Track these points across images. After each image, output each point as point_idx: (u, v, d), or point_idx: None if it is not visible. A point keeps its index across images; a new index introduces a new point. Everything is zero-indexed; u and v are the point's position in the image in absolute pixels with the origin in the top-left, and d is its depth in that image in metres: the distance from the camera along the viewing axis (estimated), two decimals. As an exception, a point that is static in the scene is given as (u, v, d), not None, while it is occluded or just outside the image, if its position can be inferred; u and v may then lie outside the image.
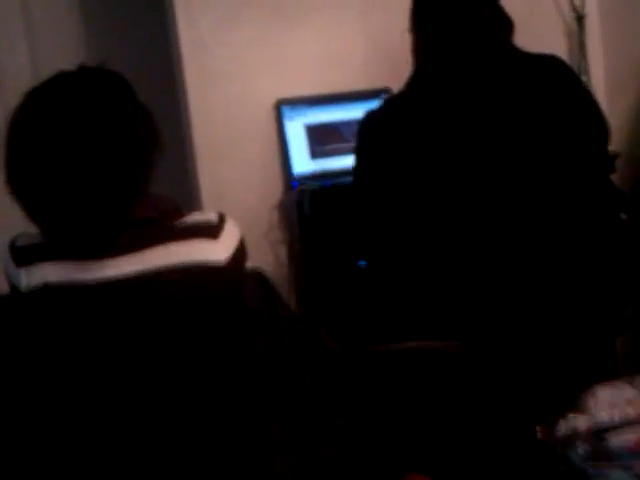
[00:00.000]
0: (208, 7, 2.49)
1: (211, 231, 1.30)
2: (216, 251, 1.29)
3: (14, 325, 1.25)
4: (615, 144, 2.12)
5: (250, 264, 1.38)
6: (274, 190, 2.53)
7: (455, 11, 1.87)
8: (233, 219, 1.37)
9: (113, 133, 1.25)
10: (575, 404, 1.67)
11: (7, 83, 2.87)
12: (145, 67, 2.92)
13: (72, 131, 1.23)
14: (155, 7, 2.64)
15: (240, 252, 1.34)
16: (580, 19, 2.77)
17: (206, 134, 2.50)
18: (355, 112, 2.50)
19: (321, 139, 2.53)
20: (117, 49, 3.02)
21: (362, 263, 2.12)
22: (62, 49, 3.02)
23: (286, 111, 2.52)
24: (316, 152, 2.52)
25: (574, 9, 2.77)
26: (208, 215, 1.34)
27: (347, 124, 2.53)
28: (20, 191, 1.26)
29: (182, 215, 1.32)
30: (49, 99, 1.27)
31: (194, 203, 2.54)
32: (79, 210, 1.23)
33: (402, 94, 1.90)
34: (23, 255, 1.27)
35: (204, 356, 1.27)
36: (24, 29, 3.05)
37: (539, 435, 1.63)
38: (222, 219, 1.34)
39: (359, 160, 1.89)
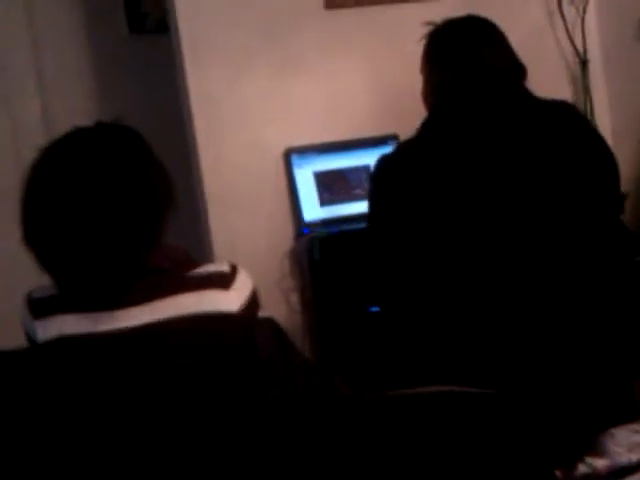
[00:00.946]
0: (217, 61, 2.52)
1: (223, 281, 1.31)
2: (228, 301, 1.29)
3: (29, 377, 1.25)
4: (621, 186, 2.13)
5: (263, 312, 1.38)
6: (285, 238, 2.55)
7: (468, 55, 1.88)
8: (245, 269, 1.38)
9: (128, 188, 1.26)
10: (593, 447, 1.66)
11: (20, 139, 2.92)
12: (156, 120, 2.97)
13: (87, 186, 1.24)
14: (165, 62, 2.69)
15: (252, 302, 1.34)
16: (584, 64, 2.80)
17: (217, 184, 2.52)
18: (363, 159, 2.54)
19: (330, 186, 2.55)
20: (128, 103, 3.07)
21: (373, 308, 2.12)
22: (74, 104, 3.07)
23: (295, 159, 2.55)
24: (325, 199, 2.54)
25: (577, 55, 2.81)
26: (220, 266, 1.34)
27: (355, 171, 2.56)
28: (36, 244, 1.27)
29: (194, 265, 1.33)
30: (65, 154, 1.28)
31: (206, 252, 2.55)
32: (92, 262, 1.24)
33: (416, 139, 1.89)
34: (39, 307, 1.28)
35: (217, 406, 1.26)
36: (37, 85, 3.11)
37: (558, 478, 1.61)
38: (234, 270, 1.34)
39: (373, 205, 1.89)
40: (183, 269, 1.31)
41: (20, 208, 1.27)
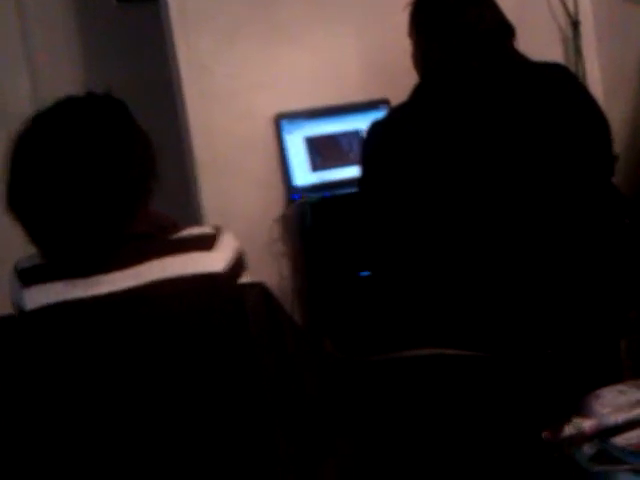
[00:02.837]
0: (206, 28, 2.52)
1: (206, 243, 1.32)
2: (211, 261, 1.30)
3: (17, 345, 1.27)
4: (614, 146, 2.14)
5: (253, 277, 1.39)
6: (276, 203, 2.55)
7: (455, 16, 1.87)
8: (236, 235, 1.39)
9: (109, 157, 1.28)
10: (580, 407, 1.67)
11: (9, 109, 2.90)
12: (146, 89, 2.96)
13: (70, 155, 1.26)
14: (154, 30, 2.67)
15: (237, 262, 1.34)
16: (575, 25, 2.79)
17: (207, 150, 2.52)
18: (353, 124, 2.53)
19: (320, 151, 2.55)
20: (117, 71, 3.06)
21: (364, 273, 2.13)
22: (63, 75, 3.06)
23: (285, 125, 2.54)
24: (316, 164, 2.54)
25: (569, 15, 2.79)
26: (203, 228, 1.36)
27: (346, 136, 2.56)
28: (20, 211, 1.29)
29: (178, 229, 1.34)
30: (49, 125, 1.30)
31: (197, 218, 2.56)
32: (75, 228, 1.26)
33: (407, 103, 1.90)
34: (27, 276, 1.29)
35: (205, 368, 1.27)
36: (25, 56, 3.09)
37: (545, 438, 1.63)
38: (218, 231, 1.35)
39: (366, 169, 1.89)
40: (167, 233, 1.32)
41: (6, 175, 1.29)
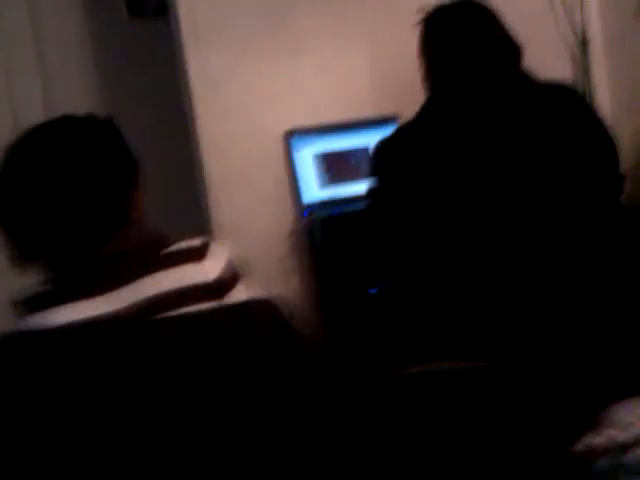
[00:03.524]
0: (216, 43, 2.53)
1: (195, 255, 1.34)
2: (204, 272, 1.32)
3: (33, 366, 1.27)
4: (621, 165, 2.14)
5: (264, 293, 1.39)
6: (286, 219, 2.56)
7: (463, 36, 1.89)
8: (247, 251, 1.40)
9: (89, 176, 1.33)
10: (594, 422, 1.67)
11: (22, 120, 2.92)
12: (156, 103, 2.97)
13: (51, 174, 1.33)
14: (165, 44, 2.69)
15: (231, 270, 1.36)
16: (584, 44, 2.80)
17: (218, 166, 2.54)
18: (363, 140, 2.55)
19: (330, 167, 2.56)
20: (128, 86, 3.08)
21: (374, 290, 2.13)
22: (75, 90, 3.08)
23: (295, 141, 2.56)
24: (326, 180, 2.55)
25: (577, 34, 2.80)
26: (191, 241, 1.37)
27: (355, 152, 2.57)
28: (6, 225, 1.34)
29: (167, 244, 1.35)
30: (29, 148, 1.36)
31: (207, 233, 2.56)
32: (56, 242, 1.32)
33: (414, 121, 1.92)
34: (28, 306, 1.32)
35: (217, 385, 1.27)
36: (37, 70, 3.11)
37: (559, 453, 1.62)
38: (206, 242, 1.37)
39: (375, 182, 1.91)
40: (155, 249, 1.34)
41: None
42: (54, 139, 1.36)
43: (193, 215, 2.63)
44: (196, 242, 1.36)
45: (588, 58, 2.80)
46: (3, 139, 1.40)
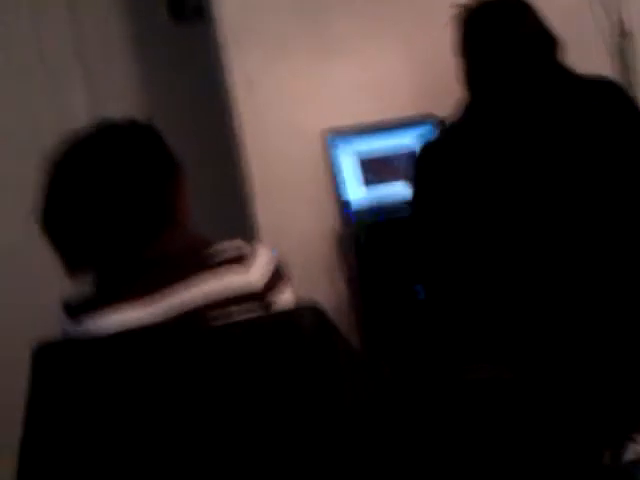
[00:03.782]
0: (255, 44, 2.55)
1: (241, 259, 1.36)
2: (250, 280, 1.35)
3: (82, 371, 1.30)
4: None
5: (308, 294, 1.40)
6: (329, 220, 2.57)
7: (502, 34, 1.87)
8: (291, 254, 1.42)
9: (134, 184, 1.37)
10: None
11: (66, 126, 2.97)
12: (197, 106, 3.00)
13: (97, 182, 1.37)
14: (205, 47, 2.72)
15: (275, 275, 1.39)
16: (623, 37, 2.77)
17: (260, 168, 2.56)
18: (401, 139, 2.55)
19: (371, 167, 2.57)
20: (170, 89, 3.11)
21: (419, 288, 2.12)
22: (118, 92, 3.12)
23: (336, 140, 2.57)
24: (367, 180, 2.56)
25: (619, 27, 2.78)
26: (235, 243, 1.40)
27: (394, 151, 2.57)
28: (53, 231, 1.38)
29: (209, 245, 1.38)
30: (79, 153, 1.40)
31: (252, 236, 2.58)
32: (103, 246, 1.36)
33: (460, 124, 1.89)
34: (74, 311, 1.36)
35: (264, 391, 1.29)
36: (81, 73, 3.16)
37: (606, 459, 1.61)
38: (251, 245, 1.40)
39: (418, 191, 1.90)
40: (201, 253, 1.37)
41: (41, 197, 1.38)
42: (97, 148, 1.39)
43: (235, 216, 2.65)
44: (241, 245, 1.39)
45: (628, 52, 2.77)
46: (49, 144, 1.44)
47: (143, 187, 1.38)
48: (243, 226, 2.62)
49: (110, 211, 1.35)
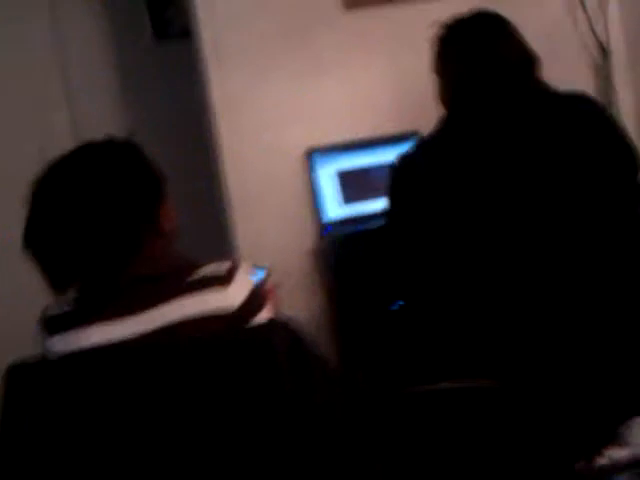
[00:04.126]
0: (238, 64, 2.56)
1: (221, 281, 1.36)
2: (227, 299, 1.35)
3: (43, 391, 1.30)
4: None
5: (287, 311, 1.40)
6: (309, 237, 2.57)
7: (481, 51, 1.88)
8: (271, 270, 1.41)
9: (115, 202, 1.38)
10: (613, 437, 1.66)
11: (50, 148, 2.96)
12: (181, 124, 3.01)
13: (78, 200, 1.37)
14: (189, 67, 2.72)
15: (253, 299, 1.39)
16: (606, 54, 2.79)
17: (241, 186, 2.56)
18: (385, 156, 2.54)
19: (352, 184, 2.57)
20: (154, 108, 3.12)
21: (395, 306, 2.13)
22: (102, 112, 3.13)
23: (317, 159, 2.57)
24: (347, 197, 2.56)
25: (599, 45, 2.80)
26: (218, 266, 1.40)
27: (377, 169, 2.57)
28: (35, 249, 1.38)
29: (194, 268, 1.38)
30: (60, 173, 1.41)
31: (232, 253, 2.58)
32: (83, 262, 1.36)
33: (433, 137, 1.91)
34: (53, 324, 1.37)
35: (231, 405, 1.29)
36: (65, 94, 3.17)
37: (578, 470, 1.61)
38: (232, 268, 1.40)
39: (392, 202, 1.91)
40: (182, 274, 1.37)
41: (25, 223, 1.39)
42: (76, 168, 1.40)
43: (216, 233, 2.65)
44: (223, 267, 1.39)
45: (611, 69, 2.79)
46: (32, 166, 1.44)
47: (123, 200, 1.38)
48: (222, 243, 2.62)
49: (92, 226, 1.35)
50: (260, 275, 1.68)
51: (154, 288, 1.35)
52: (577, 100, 1.89)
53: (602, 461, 1.59)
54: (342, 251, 2.39)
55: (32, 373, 1.29)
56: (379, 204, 2.45)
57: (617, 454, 1.61)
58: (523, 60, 1.89)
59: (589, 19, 2.77)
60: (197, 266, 1.39)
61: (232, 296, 1.36)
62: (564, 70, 2.51)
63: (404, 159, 1.91)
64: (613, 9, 2.81)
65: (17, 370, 1.28)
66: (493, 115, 1.82)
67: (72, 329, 1.34)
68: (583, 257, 1.75)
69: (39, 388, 1.28)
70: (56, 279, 1.37)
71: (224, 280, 1.37)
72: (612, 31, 2.80)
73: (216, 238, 2.64)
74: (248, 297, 1.38)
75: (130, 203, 1.38)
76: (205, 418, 1.27)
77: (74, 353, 1.30)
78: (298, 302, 2.43)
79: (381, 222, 1.94)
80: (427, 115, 2.03)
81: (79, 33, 3.22)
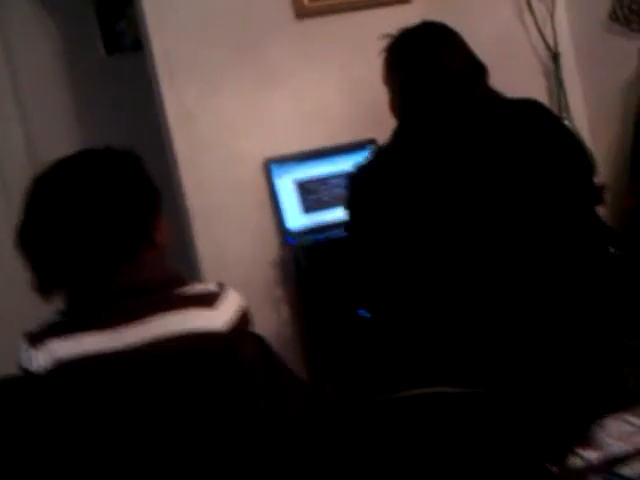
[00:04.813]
0: (191, 76, 2.55)
1: (208, 300, 1.36)
2: (212, 319, 1.34)
3: (26, 405, 1.31)
4: (600, 176, 2.16)
5: (253, 323, 1.40)
6: (270, 247, 2.57)
7: (426, 61, 1.89)
8: (233, 281, 1.41)
9: (110, 208, 1.37)
10: (586, 438, 1.67)
11: (5, 165, 2.94)
12: (136, 138, 2.98)
13: (74, 204, 1.37)
14: (143, 80, 2.71)
15: (240, 320, 1.38)
16: (556, 57, 2.84)
17: (199, 198, 2.55)
18: (342, 165, 2.56)
19: (311, 193, 2.58)
20: (109, 122, 3.09)
21: (362, 312, 2.14)
22: (56, 128, 3.09)
23: (275, 169, 2.58)
24: (307, 206, 2.57)
25: (549, 48, 2.84)
26: (208, 285, 1.40)
27: (335, 177, 2.59)
28: (29, 250, 1.37)
29: (182, 284, 1.38)
30: (53, 182, 1.40)
31: (193, 266, 2.57)
32: (76, 277, 1.35)
33: (388, 147, 1.92)
34: (34, 338, 1.35)
35: (205, 420, 1.30)
36: (17, 110, 3.13)
37: (550, 470, 1.62)
38: (221, 288, 1.40)
39: (352, 213, 1.91)
40: (171, 288, 1.37)
41: (20, 221, 1.39)
42: (74, 170, 1.40)
43: (177, 246, 2.63)
44: (212, 287, 1.40)
45: (561, 71, 2.84)
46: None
47: (121, 207, 1.38)
48: (183, 255, 2.61)
49: (86, 230, 1.35)
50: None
51: (145, 300, 1.34)
52: (526, 105, 1.91)
53: (575, 462, 1.61)
54: (305, 261, 2.39)
55: (9, 392, 1.29)
56: (339, 213, 2.47)
57: (590, 454, 1.62)
58: (468, 69, 1.90)
59: (537, 23, 2.82)
60: (184, 283, 1.39)
61: (218, 316, 1.35)
62: (515, 74, 2.55)
63: (361, 170, 1.92)
64: (560, 12, 2.86)
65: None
66: (440, 124, 1.84)
67: (65, 336, 1.33)
68: (543, 261, 1.77)
69: (27, 402, 1.29)
70: (45, 280, 1.36)
71: (211, 300, 1.37)
72: (560, 34, 2.84)
73: (177, 251, 2.62)
74: (234, 318, 1.37)
75: (127, 211, 1.38)
76: (180, 431, 1.28)
77: (67, 362, 1.30)
78: (262, 313, 2.43)
79: (342, 232, 1.95)
80: (381, 124, 2.04)
81: (30, 47, 3.18)
